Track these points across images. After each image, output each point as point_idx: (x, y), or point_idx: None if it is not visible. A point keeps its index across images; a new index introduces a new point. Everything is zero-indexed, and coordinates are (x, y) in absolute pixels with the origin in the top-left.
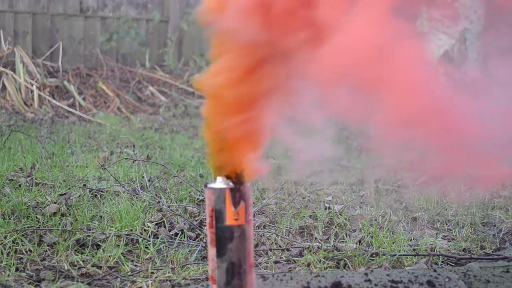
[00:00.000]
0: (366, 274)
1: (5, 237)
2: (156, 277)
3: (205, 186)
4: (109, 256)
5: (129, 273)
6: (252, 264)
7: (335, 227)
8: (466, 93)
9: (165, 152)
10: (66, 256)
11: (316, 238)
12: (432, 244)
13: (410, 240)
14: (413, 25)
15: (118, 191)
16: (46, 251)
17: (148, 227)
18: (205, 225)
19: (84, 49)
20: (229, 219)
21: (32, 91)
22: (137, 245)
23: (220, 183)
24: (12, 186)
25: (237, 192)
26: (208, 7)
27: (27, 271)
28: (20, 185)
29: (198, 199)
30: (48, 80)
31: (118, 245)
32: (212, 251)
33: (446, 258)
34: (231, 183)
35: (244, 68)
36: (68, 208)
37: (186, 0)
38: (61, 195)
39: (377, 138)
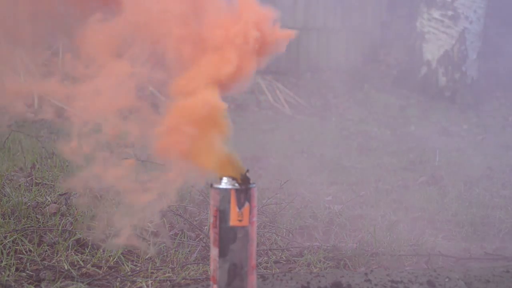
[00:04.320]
0: (366, 274)
1: (5, 237)
2: (156, 277)
3: (211, 186)
4: (109, 256)
5: (129, 273)
6: (254, 265)
7: (335, 227)
8: None
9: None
10: (66, 256)
11: (316, 238)
12: (432, 244)
13: (410, 240)
14: None
15: (118, 191)
16: (46, 251)
17: (148, 227)
18: (205, 225)
19: None
20: (233, 220)
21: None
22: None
23: (225, 183)
24: (12, 186)
25: (242, 193)
26: None
27: (27, 271)
28: (20, 185)
29: (198, 199)
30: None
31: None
32: (214, 251)
33: (446, 258)
34: (236, 184)
35: None
36: (68, 208)
37: None
38: (61, 195)
39: None
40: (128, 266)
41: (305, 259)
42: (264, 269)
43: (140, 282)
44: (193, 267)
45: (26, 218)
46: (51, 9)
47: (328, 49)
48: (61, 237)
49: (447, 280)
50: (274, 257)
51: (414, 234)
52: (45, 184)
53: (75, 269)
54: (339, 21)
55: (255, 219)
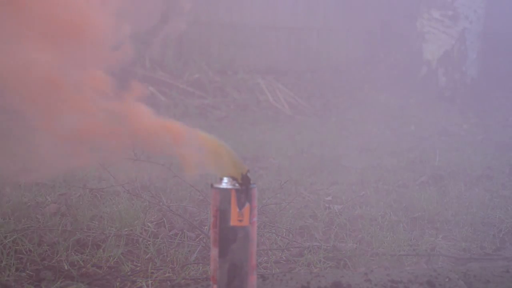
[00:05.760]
0: (366, 274)
1: (5, 237)
2: (156, 277)
3: (211, 186)
4: (109, 256)
5: (129, 273)
6: (254, 266)
7: (335, 227)
8: None
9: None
10: (66, 256)
11: (316, 238)
12: (432, 244)
13: (410, 240)
14: None
15: (118, 191)
16: (46, 251)
17: (148, 227)
18: (205, 225)
19: None
20: (233, 220)
21: None
22: (137, 245)
23: (226, 183)
24: (12, 186)
25: (243, 193)
26: None
27: (27, 271)
28: (20, 185)
29: (198, 199)
30: None
31: (118, 245)
32: (214, 251)
33: (446, 258)
34: (237, 184)
35: None
36: (68, 208)
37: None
38: (61, 195)
39: None
40: (128, 266)
41: (305, 259)
42: (264, 269)
43: (140, 282)
44: (193, 267)
45: (26, 218)
46: None
47: (328, 49)
48: (61, 237)
49: (447, 280)
50: (274, 257)
51: (414, 234)
52: (45, 184)
53: (75, 269)
54: (339, 21)
55: (255, 219)
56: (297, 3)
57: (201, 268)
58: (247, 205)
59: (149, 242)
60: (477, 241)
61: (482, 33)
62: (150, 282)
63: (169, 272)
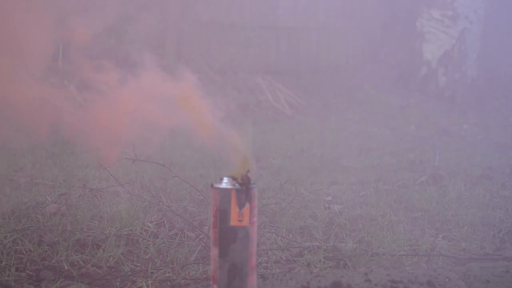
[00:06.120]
0: (366, 274)
1: (5, 237)
2: (156, 277)
3: (211, 186)
4: (109, 256)
5: (129, 273)
6: (254, 266)
7: (335, 227)
8: None
9: (166, 152)
10: (66, 256)
11: (316, 238)
12: (432, 244)
13: (410, 240)
14: None
15: (118, 191)
16: (46, 251)
17: (148, 227)
18: (205, 225)
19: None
20: (233, 220)
21: None
22: (137, 245)
23: (226, 183)
24: (12, 186)
25: (243, 193)
26: None
27: (27, 271)
28: (20, 185)
29: (198, 199)
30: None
31: (118, 245)
32: (214, 251)
33: (446, 258)
34: (237, 184)
35: None
36: (68, 208)
37: (186, 0)
38: (61, 195)
39: None
40: (128, 266)
41: (305, 259)
42: (264, 269)
43: (140, 282)
44: (193, 267)
45: (26, 218)
46: None
47: (328, 49)
48: (61, 237)
49: (447, 280)
50: (274, 257)
51: (414, 234)
52: (45, 184)
53: (75, 269)
54: (339, 21)
55: (255, 219)
56: (297, 3)
57: (201, 268)
58: (247, 205)
59: (149, 242)
60: (477, 241)
61: (482, 33)
62: (150, 282)
63: (169, 272)
